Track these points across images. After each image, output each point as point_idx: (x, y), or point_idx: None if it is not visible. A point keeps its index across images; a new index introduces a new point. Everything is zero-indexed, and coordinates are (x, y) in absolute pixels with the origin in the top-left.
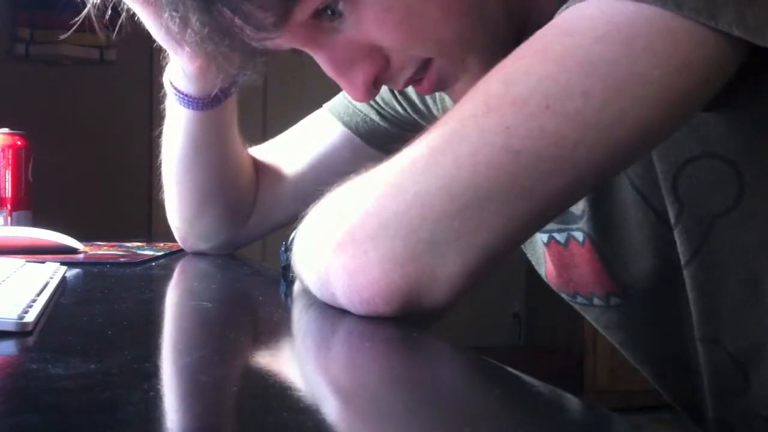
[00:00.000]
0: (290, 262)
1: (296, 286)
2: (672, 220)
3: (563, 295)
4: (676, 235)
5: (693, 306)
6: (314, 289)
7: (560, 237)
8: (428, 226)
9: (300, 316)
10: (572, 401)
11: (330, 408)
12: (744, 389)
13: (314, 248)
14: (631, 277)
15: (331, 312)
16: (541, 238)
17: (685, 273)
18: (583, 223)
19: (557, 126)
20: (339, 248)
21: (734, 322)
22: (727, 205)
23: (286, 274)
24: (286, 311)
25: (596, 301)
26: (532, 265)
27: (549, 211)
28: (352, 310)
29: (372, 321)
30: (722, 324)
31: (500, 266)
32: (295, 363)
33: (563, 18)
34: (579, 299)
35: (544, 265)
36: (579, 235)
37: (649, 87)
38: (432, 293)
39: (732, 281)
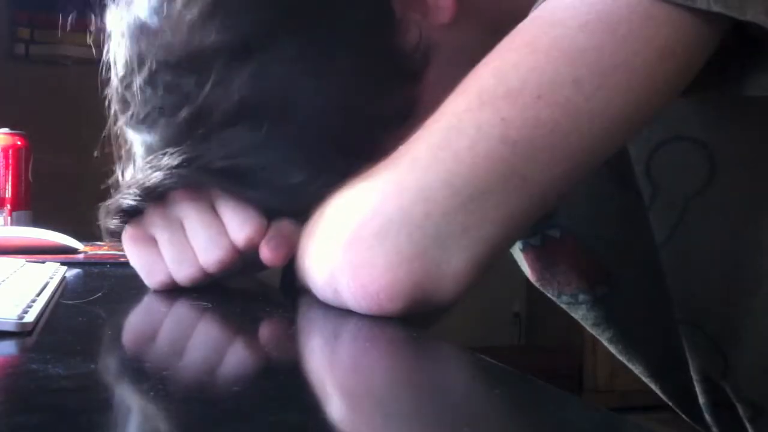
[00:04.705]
0: (292, 262)
1: (297, 287)
2: (646, 202)
3: (549, 294)
4: (651, 217)
5: (671, 288)
6: (317, 288)
7: (534, 240)
8: (433, 222)
9: (301, 316)
10: (572, 401)
11: (330, 408)
12: (724, 372)
13: (317, 248)
14: (616, 262)
15: (331, 312)
16: (516, 244)
17: (662, 254)
18: (561, 218)
19: (551, 114)
20: (343, 247)
21: (711, 304)
22: (699, 186)
23: (287, 274)
24: (287, 311)
25: (582, 297)
26: None
27: (548, 198)
28: (356, 308)
29: (372, 321)
30: (700, 305)
31: (500, 266)
32: (296, 363)
33: (545, 9)
34: (564, 298)
35: (526, 267)
36: (556, 232)
37: (632, 73)
38: (438, 288)
39: (707, 262)
